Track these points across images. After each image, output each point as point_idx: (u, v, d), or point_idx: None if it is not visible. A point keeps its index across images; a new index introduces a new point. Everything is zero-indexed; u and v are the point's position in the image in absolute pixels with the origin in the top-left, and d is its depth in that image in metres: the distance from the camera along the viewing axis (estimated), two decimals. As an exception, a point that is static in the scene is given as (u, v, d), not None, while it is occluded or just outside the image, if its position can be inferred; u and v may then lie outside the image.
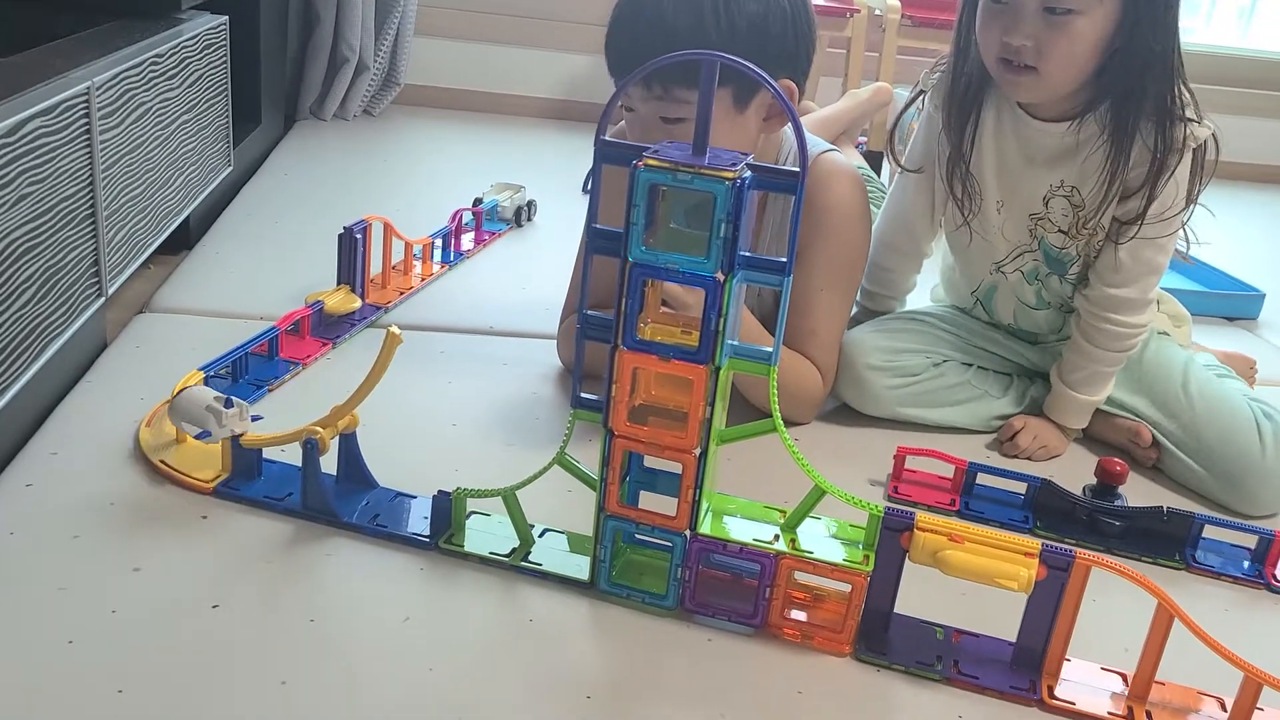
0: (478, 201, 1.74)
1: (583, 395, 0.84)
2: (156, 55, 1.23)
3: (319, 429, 0.90)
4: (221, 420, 0.92)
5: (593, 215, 0.80)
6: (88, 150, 1.04)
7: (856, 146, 2.11)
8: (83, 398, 1.07)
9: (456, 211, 1.61)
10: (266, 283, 1.41)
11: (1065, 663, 0.81)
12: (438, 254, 1.56)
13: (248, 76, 1.89)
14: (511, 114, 2.66)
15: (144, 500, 0.92)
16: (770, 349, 0.79)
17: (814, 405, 1.18)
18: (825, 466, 1.11)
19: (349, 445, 0.94)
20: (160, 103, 1.27)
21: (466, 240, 1.64)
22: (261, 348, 1.16)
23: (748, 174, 0.76)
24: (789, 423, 1.17)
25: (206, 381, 1.06)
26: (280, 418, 1.06)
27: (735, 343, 0.80)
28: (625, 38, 1.05)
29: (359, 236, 1.30)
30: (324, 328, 1.26)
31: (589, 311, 0.82)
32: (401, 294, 1.40)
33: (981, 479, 1.06)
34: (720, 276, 0.76)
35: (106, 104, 1.08)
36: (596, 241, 0.80)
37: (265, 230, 1.63)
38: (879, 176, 2.04)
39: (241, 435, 0.93)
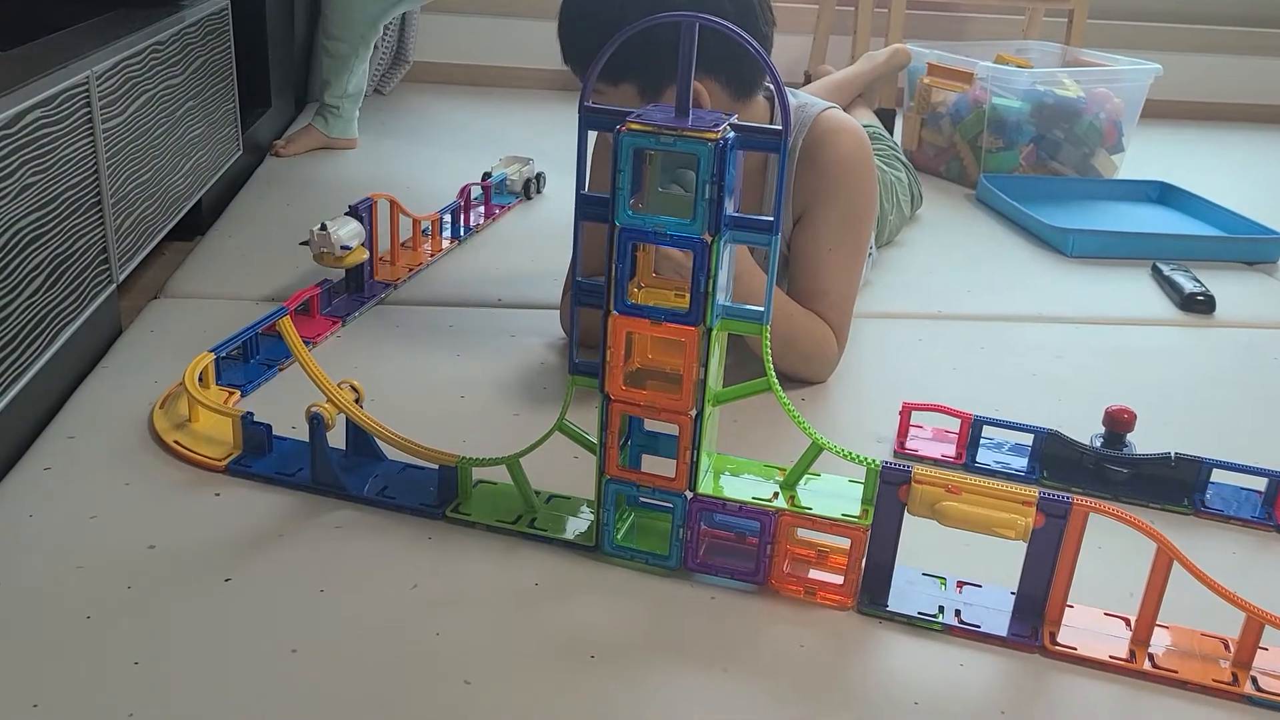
0: (486, 175, 1.75)
1: (578, 361, 0.85)
2: (158, 43, 1.25)
3: (324, 406, 0.91)
4: (327, 242, 1.23)
5: (581, 182, 0.80)
6: (90, 139, 1.06)
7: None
8: (98, 383, 1.09)
9: (465, 186, 1.62)
10: (279, 265, 1.43)
11: (1067, 609, 0.81)
12: (447, 229, 1.57)
13: (256, 60, 1.90)
14: (520, 87, 2.66)
15: (158, 480, 0.94)
16: (762, 308, 0.80)
17: (829, 365, 1.18)
18: (832, 425, 1.13)
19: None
20: (164, 90, 1.28)
21: (476, 214, 1.65)
22: (272, 328, 1.18)
23: (731, 134, 0.76)
24: (805, 383, 1.18)
25: (218, 363, 1.08)
26: (291, 396, 1.08)
27: (727, 303, 0.81)
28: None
29: (364, 215, 1.31)
30: (332, 308, 1.27)
31: (581, 279, 0.82)
32: (411, 270, 1.42)
33: (988, 431, 1.06)
34: (708, 238, 0.76)
35: (108, 93, 1.09)
36: (585, 208, 0.80)
37: (277, 213, 1.65)
38: (891, 134, 2.03)
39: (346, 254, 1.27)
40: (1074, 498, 0.77)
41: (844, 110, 2.01)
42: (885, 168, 1.69)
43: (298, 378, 1.14)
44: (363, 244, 1.30)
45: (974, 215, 1.90)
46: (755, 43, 0.74)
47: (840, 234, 1.15)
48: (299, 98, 2.28)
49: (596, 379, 0.82)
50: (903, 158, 1.80)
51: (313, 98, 2.34)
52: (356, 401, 0.95)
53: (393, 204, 1.40)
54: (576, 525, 0.89)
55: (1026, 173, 2.01)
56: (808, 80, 2.23)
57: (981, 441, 1.06)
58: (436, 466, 0.92)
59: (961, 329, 1.39)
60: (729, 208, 0.77)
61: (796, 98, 1.19)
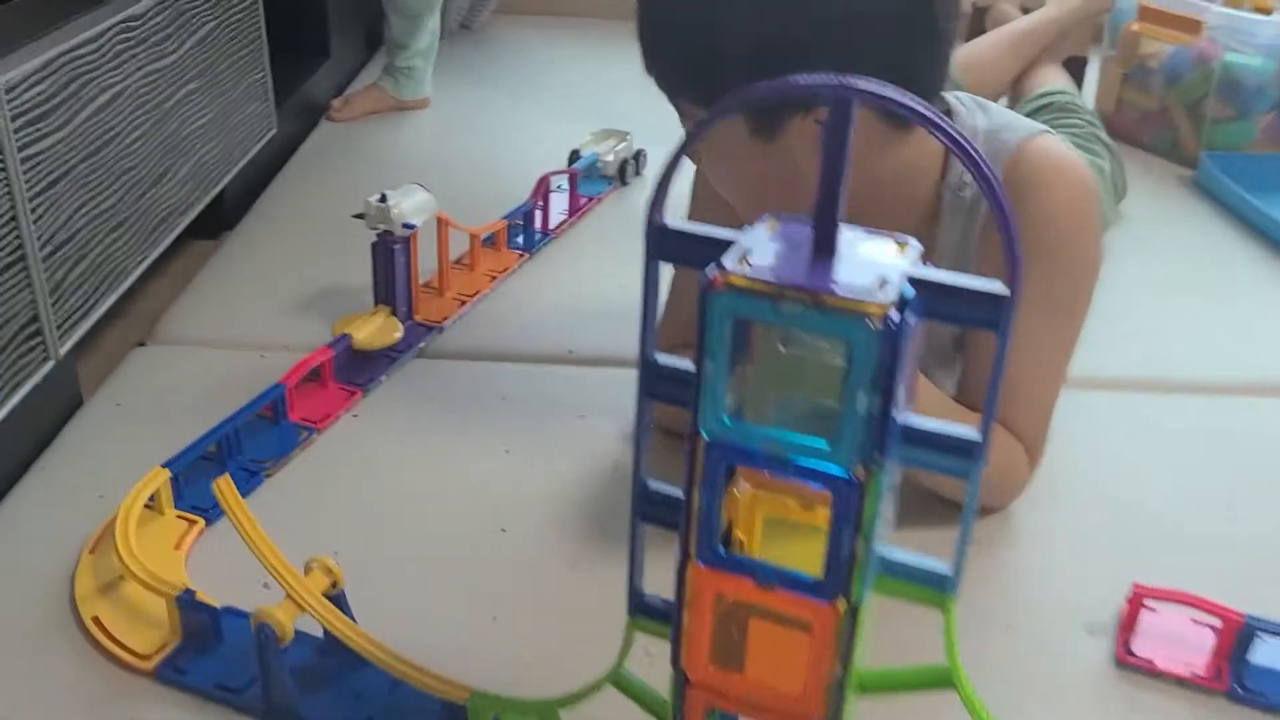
0: (574, 155, 1.42)
1: (645, 596, 0.54)
2: (128, 22, 0.95)
3: (275, 614, 0.62)
4: (385, 217, 1.00)
5: (649, 336, 0.48)
6: (1, 172, 0.77)
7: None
8: (24, 501, 0.83)
9: (543, 178, 1.29)
10: (316, 276, 1.15)
11: None
12: (519, 238, 1.25)
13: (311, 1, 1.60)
14: (627, 18, 2.29)
15: (60, 690, 0.67)
16: (950, 573, 0.47)
17: (1015, 492, 0.84)
18: (1017, 595, 0.79)
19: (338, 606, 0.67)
20: (144, 79, 0.99)
21: (557, 207, 1.32)
22: (267, 410, 0.90)
23: (910, 293, 0.42)
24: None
25: (173, 483, 0.80)
26: (276, 520, 0.79)
27: (889, 552, 0.48)
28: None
29: (397, 247, 1.01)
30: (353, 369, 0.98)
31: (651, 485, 0.51)
32: (463, 302, 1.11)
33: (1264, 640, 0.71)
34: (860, 474, 0.43)
35: (30, 108, 0.81)
36: (652, 382, 0.48)
37: (322, 199, 1.37)
38: (1080, 89, 1.62)
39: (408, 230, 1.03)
40: None
41: (1024, 69, 1.62)
42: (1084, 154, 1.31)
43: (290, 490, 0.86)
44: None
45: (1194, 208, 1.48)
46: (930, 113, 0.40)
47: (1045, 318, 0.79)
48: (371, 40, 1.96)
49: (668, 629, 0.51)
50: (1104, 136, 1.40)
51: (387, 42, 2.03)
52: (333, 588, 0.66)
53: (441, 222, 1.09)
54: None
55: (1264, 149, 1.57)
56: (978, 21, 1.80)
57: (1259, 648, 0.71)
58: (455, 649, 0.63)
59: (1199, 408, 1.01)
60: (900, 408, 0.44)
61: (988, 114, 0.82)
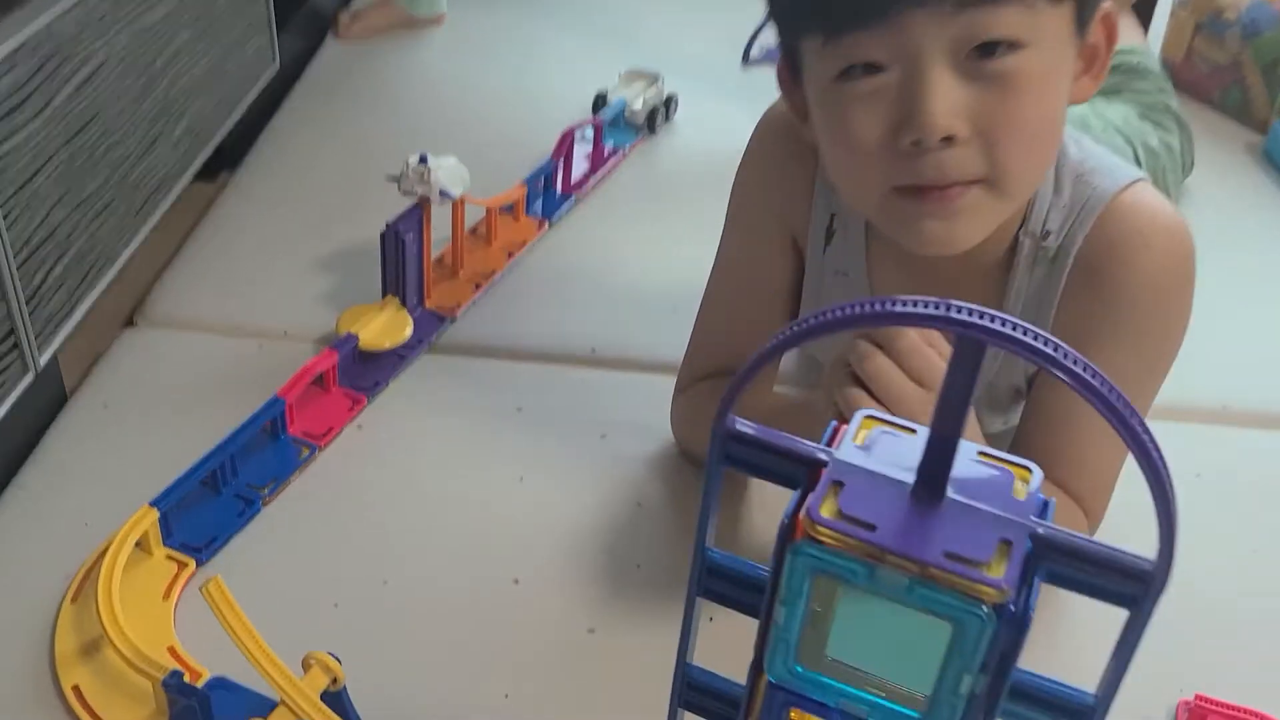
0: (598, 101, 1.32)
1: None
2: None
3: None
4: (423, 181, 0.92)
5: (704, 538, 0.41)
6: (-33, 184, 0.69)
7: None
8: (2, 527, 0.77)
9: (567, 132, 1.19)
10: (315, 243, 1.08)
11: None
12: (539, 202, 1.16)
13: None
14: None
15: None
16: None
17: None
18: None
19: (338, 704, 0.62)
20: (130, 41, 0.89)
21: (579, 162, 1.23)
22: (268, 427, 0.83)
23: (1030, 549, 0.35)
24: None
25: (162, 519, 0.74)
26: (277, 554, 0.74)
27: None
28: None
29: (407, 238, 0.92)
30: (359, 371, 0.91)
31: (698, 675, 0.44)
32: (479, 286, 1.03)
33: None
34: (953, 748, 0.37)
35: (-1, 98, 0.71)
36: (706, 581, 0.41)
37: (327, 141, 1.27)
38: (1146, 33, 1.50)
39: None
40: None
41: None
42: (1151, 129, 1.21)
43: (288, 525, 0.80)
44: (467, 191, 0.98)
45: (1262, 184, 1.38)
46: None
47: (1126, 385, 0.72)
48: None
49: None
50: (1174, 105, 1.28)
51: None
52: (333, 685, 0.61)
53: (459, 203, 1.00)
54: None
55: (1342, 121, 1.45)
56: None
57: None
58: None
59: (1269, 445, 0.94)
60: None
61: (1080, 148, 0.73)
